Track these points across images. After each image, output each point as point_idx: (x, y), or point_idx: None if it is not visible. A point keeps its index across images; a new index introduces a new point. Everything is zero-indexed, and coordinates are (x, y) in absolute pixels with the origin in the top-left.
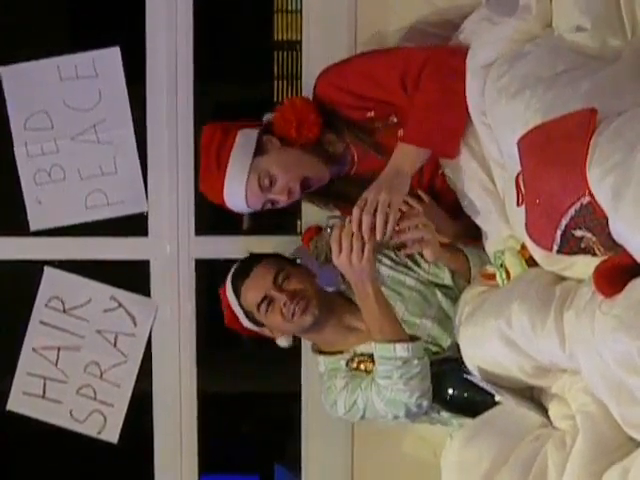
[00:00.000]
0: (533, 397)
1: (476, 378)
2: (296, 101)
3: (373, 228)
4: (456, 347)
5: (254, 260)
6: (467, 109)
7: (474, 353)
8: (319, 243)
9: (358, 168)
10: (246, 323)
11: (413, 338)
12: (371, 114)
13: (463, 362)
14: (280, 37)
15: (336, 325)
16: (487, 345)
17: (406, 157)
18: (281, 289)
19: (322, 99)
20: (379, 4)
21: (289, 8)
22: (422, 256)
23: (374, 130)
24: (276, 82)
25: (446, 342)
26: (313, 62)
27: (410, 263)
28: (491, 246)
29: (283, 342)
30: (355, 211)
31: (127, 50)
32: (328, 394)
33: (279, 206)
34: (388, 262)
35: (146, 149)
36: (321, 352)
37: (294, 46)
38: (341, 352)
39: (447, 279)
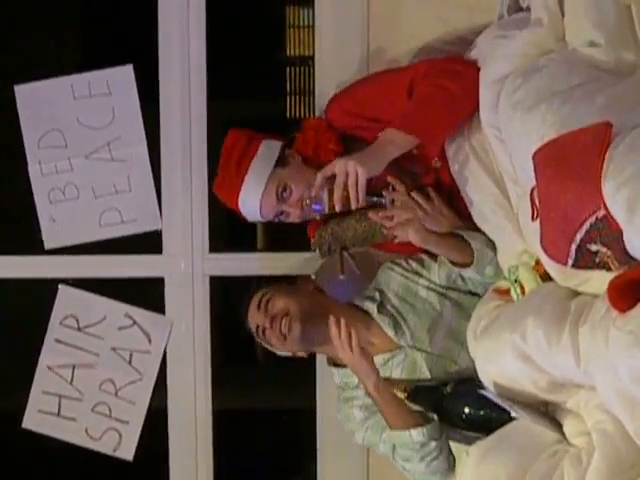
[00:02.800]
0: (547, 412)
1: (491, 394)
2: (321, 126)
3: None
4: (472, 366)
5: (252, 292)
6: (461, 112)
7: (489, 367)
8: (323, 232)
9: (375, 185)
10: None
11: (427, 419)
12: (389, 181)
13: (479, 379)
14: (293, 53)
15: None
16: (502, 359)
17: (388, 141)
18: (266, 313)
19: (334, 124)
20: (391, 20)
21: (302, 24)
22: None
23: None
24: (289, 98)
25: (459, 355)
26: (326, 77)
27: (421, 269)
28: (505, 261)
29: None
30: (318, 175)
31: (140, 68)
32: (345, 420)
33: (289, 220)
34: (400, 270)
35: (160, 167)
36: (335, 364)
37: (307, 62)
38: None
39: (458, 280)
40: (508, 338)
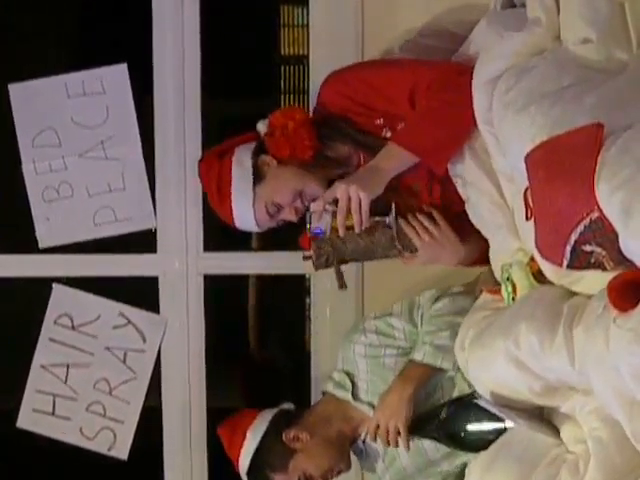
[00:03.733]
0: (543, 416)
1: (487, 403)
2: (290, 124)
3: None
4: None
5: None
6: (466, 128)
7: (483, 375)
8: (322, 243)
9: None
10: None
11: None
12: (380, 121)
13: (474, 392)
14: (287, 52)
15: (341, 423)
16: (495, 366)
17: (390, 157)
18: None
19: (327, 105)
20: (386, 19)
21: (296, 23)
22: (392, 324)
23: (382, 137)
24: (283, 97)
25: (448, 397)
26: (320, 76)
27: (384, 339)
28: (498, 259)
29: None
30: (319, 201)
31: (134, 66)
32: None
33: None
34: (362, 349)
35: (154, 165)
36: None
37: (301, 61)
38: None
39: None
40: (501, 345)
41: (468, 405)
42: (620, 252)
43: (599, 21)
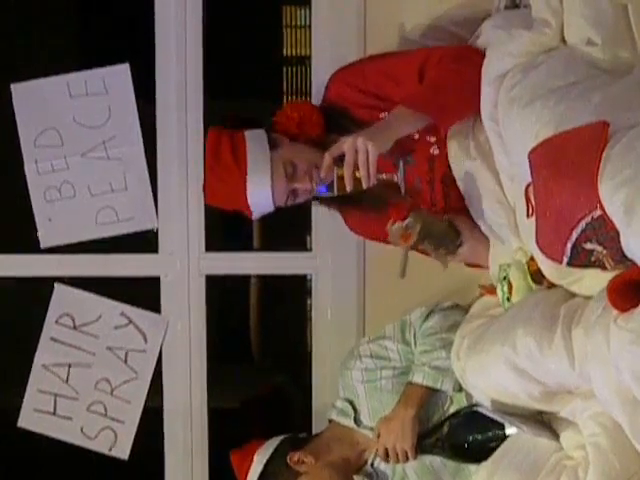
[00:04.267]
0: (543, 421)
1: (487, 410)
2: (298, 102)
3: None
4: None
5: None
6: (475, 97)
7: (481, 382)
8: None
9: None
10: None
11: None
12: (384, 115)
13: (473, 404)
14: (289, 52)
15: (347, 449)
16: (494, 372)
17: (399, 117)
18: None
19: (334, 100)
20: (388, 20)
21: (298, 24)
22: (386, 346)
23: None
24: (285, 97)
25: (446, 414)
26: (323, 77)
27: (379, 362)
28: (498, 258)
29: None
30: (326, 156)
31: (137, 67)
32: None
33: (298, 200)
34: (359, 375)
35: (156, 165)
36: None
37: (303, 61)
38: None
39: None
40: (499, 351)
41: (469, 416)
42: (621, 251)
43: (603, 22)
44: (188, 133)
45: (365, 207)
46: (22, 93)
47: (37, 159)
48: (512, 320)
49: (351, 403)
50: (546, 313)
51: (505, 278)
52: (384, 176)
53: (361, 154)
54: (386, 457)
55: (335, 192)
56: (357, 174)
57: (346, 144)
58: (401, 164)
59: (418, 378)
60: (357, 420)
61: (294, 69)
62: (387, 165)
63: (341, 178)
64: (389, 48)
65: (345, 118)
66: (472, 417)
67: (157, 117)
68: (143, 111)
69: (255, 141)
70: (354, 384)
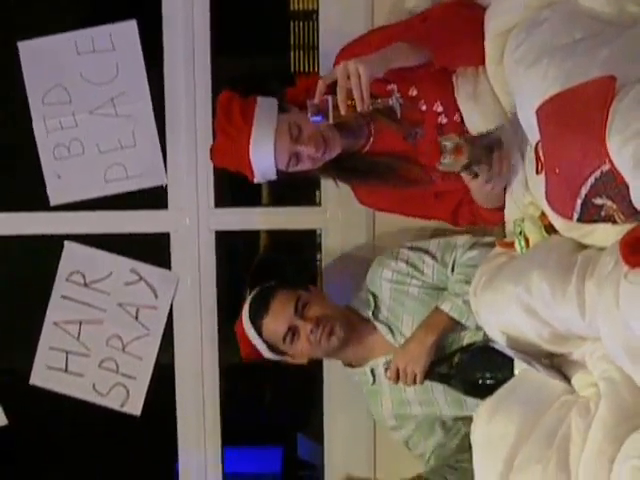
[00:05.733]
0: (554, 365)
1: (500, 346)
2: (310, 76)
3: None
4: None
5: (269, 294)
6: (477, 35)
7: (493, 319)
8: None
9: (374, 145)
10: (268, 355)
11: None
12: (392, 87)
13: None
14: (296, 7)
15: (356, 343)
16: (506, 311)
17: (395, 49)
18: (304, 317)
19: None
20: None
21: None
22: (424, 260)
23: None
24: (292, 52)
25: (460, 343)
26: (330, 32)
27: (412, 270)
28: (511, 213)
29: (303, 361)
30: (319, 82)
31: (144, 23)
32: (377, 416)
33: (301, 167)
34: (389, 272)
35: (164, 122)
36: (350, 365)
37: (310, 16)
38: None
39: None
40: (512, 291)
41: (481, 351)
42: (631, 205)
43: None
44: (196, 89)
45: (374, 180)
46: (29, 51)
47: (45, 117)
48: (528, 261)
49: (374, 297)
50: (562, 260)
51: (521, 233)
52: (379, 101)
53: (353, 77)
54: (396, 378)
55: (331, 120)
56: (350, 101)
57: (338, 70)
58: (395, 90)
59: (446, 307)
60: (375, 314)
61: (301, 24)
62: (382, 89)
63: (336, 106)
64: (397, 2)
65: None
66: (484, 354)
67: (165, 73)
68: (151, 67)
69: (265, 104)
70: (381, 282)
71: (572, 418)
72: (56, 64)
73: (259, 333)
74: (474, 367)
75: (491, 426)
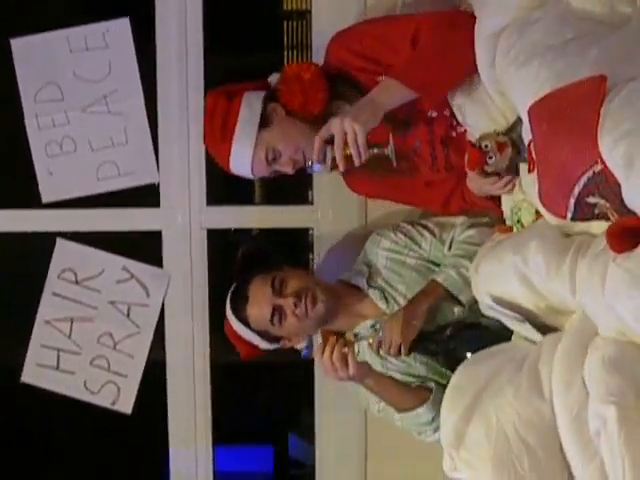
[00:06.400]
0: None
1: (499, 307)
2: (306, 75)
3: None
4: (472, 311)
5: (244, 283)
6: (467, 66)
7: (491, 288)
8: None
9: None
10: (264, 345)
11: (428, 389)
12: (382, 78)
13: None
14: (290, 6)
15: (345, 312)
16: (504, 280)
17: (386, 91)
18: (283, 294)
19: (334, 62)
20: None
21: None
22: (423, 235)
23: None
24: (286, 52)
25: (452, 317)
26: (323, 32)
27: (410, 243)
28: (508, 203)
29: (302, 344)
30: (316, 140)
31: (137, 21)
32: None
33: (284, 173)
34: (387, 242)
35: (157, 119)
36: None
37: (304, 15)
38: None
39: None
40: (510, 259)
41: (471, 327)
42: (624, 203)
43: None
44: (189, 87)
45: (370, 167)
46: (22, 48)
47: (38, 114)
48: (528, 232)
49: (369, 266)
50: (560, 235)
51: (519, 221)
52: (375, 150)
53: (350, 135)
54: (378, 347)
55: (329, 170)
56: (347, 152)
57: (333, 126)
58: (391, 139)
59: (440, 278)
60: (369, 281)
61: (295, 23)
62: (379, 134)
63: (334, 158)
64: (390, 2)
65: (346, 82)
66: (473, 331)
67: (157, 71)
68: (143, 65)
69: (247, 114)
70: (378, 250)
71: (544, 344)
72: (49, 61)
73: (247, 325)
74: (462, 344)
75: (467, 369)
